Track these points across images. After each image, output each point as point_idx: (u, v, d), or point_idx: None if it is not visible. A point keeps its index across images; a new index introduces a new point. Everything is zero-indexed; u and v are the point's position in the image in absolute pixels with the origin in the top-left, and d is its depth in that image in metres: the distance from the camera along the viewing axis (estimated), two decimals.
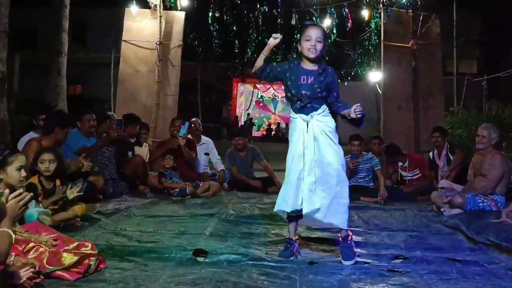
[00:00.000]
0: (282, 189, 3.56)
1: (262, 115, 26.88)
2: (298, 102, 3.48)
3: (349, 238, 3.51)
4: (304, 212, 3.41)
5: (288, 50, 16.43)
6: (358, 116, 3.38)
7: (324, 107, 3.50)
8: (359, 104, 3.40)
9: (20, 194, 2.35)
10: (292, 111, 3.58)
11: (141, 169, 6.51)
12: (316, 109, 3.46)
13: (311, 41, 3.42)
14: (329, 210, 3.41)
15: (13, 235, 2.25)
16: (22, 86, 16.18)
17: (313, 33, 3.44)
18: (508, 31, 14.52)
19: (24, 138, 5.40)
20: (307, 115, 3.45)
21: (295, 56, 16.84)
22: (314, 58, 3.45)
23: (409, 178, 6.79)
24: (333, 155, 3.45)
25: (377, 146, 7.11)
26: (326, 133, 3.45)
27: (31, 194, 2.44)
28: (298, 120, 3.50)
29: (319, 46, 3.43)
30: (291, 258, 3.42)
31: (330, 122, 3.49)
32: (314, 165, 3.41)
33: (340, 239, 3.51)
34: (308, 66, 3.49)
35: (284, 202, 3.47)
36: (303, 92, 3.44)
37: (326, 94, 3.50)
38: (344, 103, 3.55)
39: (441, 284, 2.94)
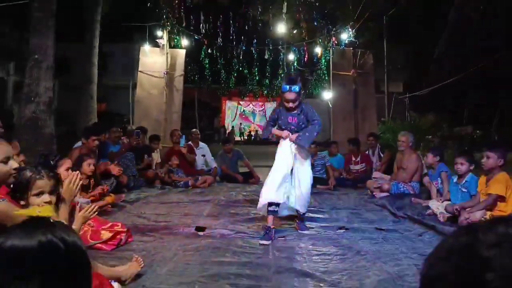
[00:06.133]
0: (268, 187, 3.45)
1: (244, 125, 26.90)
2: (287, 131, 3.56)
3: (304, 217, 3.69)
4: (288, 203, 3.54)
5: (262, 76, 16.63)
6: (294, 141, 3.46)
7: None
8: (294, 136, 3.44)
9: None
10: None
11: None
12: None
13: (289, 103, 3.42)
14: (298, 201, 3.56)
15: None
16: (59, 104, 15.95)
17: (289, 98, 3.39)
18: (425, 60, 14.94)
19: (76, 145, 5.26)
20: None
21: (267, 82, 17.14)
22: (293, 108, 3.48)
23: (357, 170, 6.78)
24: (306, 165, 3.57)
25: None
26: (301, 150, 3.52)
27: (77, 172, 2.31)
28: (286, 141, 3.53)
29: (296, 101, 3.42)
30: (269, 242, 3.17)
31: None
32: (295, 172, 3.51)
33: (298, 218, 3.68)
34: (291, 109, 3.50)
35: (272, 195, 3.41)
36: (292, 127, 3.52)
37: (307, 124, 3.53)
38: (311, 127, 3.49)
39: (371, 246, 3.10)
